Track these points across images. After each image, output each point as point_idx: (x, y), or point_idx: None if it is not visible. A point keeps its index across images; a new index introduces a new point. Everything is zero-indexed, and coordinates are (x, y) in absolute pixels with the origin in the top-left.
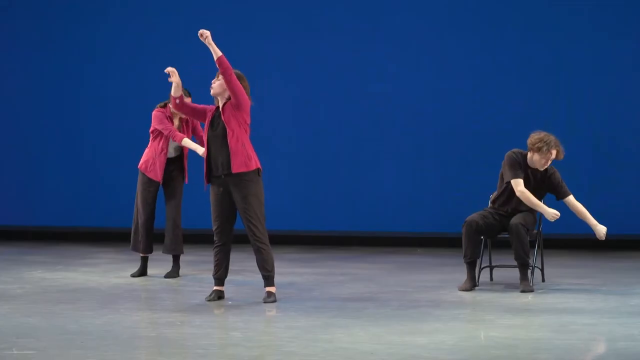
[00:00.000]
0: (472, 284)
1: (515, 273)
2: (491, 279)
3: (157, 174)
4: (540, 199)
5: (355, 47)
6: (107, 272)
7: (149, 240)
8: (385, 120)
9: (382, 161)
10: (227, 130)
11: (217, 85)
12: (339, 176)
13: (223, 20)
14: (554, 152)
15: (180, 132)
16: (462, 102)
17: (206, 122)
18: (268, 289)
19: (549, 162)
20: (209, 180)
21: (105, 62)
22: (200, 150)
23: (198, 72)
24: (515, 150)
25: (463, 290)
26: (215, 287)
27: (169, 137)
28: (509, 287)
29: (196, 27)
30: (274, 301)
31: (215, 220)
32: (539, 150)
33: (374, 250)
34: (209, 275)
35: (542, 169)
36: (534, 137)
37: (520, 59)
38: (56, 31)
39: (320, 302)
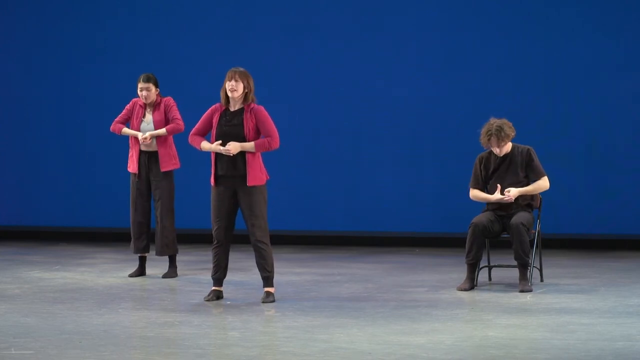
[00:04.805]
0: (471, 285)
1: (513, 273)
2: (489, 278)
3: (134, 166)
4: (520, 179)
5: (355, 48)
6: (104, 272)
7: (142, 240)
8: (384, 120)
9: (381, 161)
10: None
11: (239, 89)
12: (337, 176)
13: (223, 20)
14: (493, 140)
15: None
16: (460, 102)
17: (214, 121)
18: (267, 289)
19: (498, 147)
20: (216, 181)
21: (103, 63)
22: (140, 134)
23: (193, 72)
24: (482, 153)
25: (462, 290)
26: (213, 287)
27: (138, 117)
28: (507, 287)
29: (194, 28)
30: (273, 301)
31: (216, 220)
32: (486, 144)
33: (372, 250)
34: (206, 276)
35: (502, 154)
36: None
37: (518, 59)
38: (54, 31)
39: (319, 302)
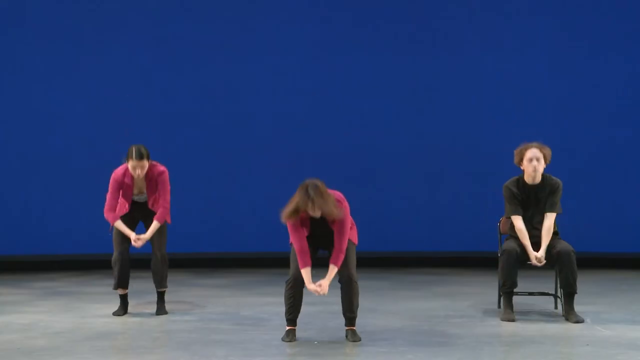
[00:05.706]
0: (513, 314)
1: (525, 300)
2: (499, 305)
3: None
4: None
5: (358, 60)
6: (83, 312)
7: (128, 273)
8: (389, 136)
9: (390, 177)
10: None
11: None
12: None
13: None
14: (534, 149)
15: (145, 190)
16: (461, 118)
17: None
18: (350, 327)
19: (537, 161)
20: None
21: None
22: (132, 235)
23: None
24: (508, 181)
25: (508, 321)
26: (290, 327)
27: (128, 195)
28: (530, 315)
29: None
30: (360, 340)
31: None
32: (523, 155)
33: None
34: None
35: (536, 172)
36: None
37: (521, 75)
38: None
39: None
